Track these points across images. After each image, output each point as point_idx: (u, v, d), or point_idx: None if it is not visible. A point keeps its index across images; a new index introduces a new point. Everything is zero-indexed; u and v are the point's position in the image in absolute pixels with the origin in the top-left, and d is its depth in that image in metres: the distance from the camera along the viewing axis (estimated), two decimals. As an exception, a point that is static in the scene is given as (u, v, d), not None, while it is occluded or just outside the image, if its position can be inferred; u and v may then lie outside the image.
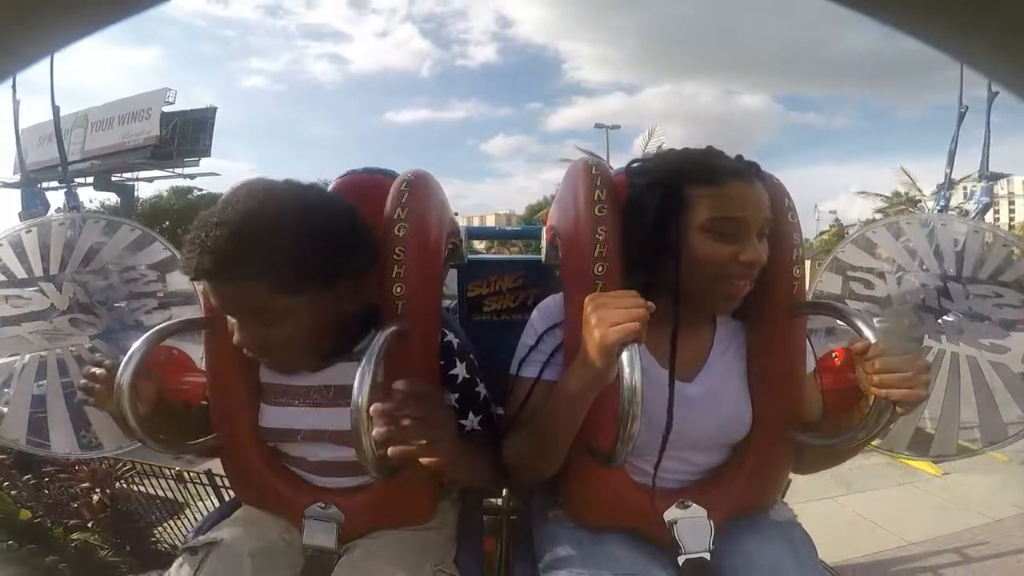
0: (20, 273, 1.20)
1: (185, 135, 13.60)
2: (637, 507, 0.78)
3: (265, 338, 0.70)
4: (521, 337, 0.83)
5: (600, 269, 0.74)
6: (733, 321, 0.84)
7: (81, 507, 1.97)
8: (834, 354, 1.02)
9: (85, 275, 1.22)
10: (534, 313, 0.84)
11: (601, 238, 0.74)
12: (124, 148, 13.39)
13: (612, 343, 0.61)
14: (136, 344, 0.74)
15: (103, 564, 1.59)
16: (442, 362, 0.79)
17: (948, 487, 2.91)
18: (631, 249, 0.76)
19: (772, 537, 0.80)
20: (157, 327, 0.79)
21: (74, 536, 1.63)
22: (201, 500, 1.88)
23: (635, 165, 0.82)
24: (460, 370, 0.80)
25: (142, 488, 2.04)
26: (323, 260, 0.70)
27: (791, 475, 0.92)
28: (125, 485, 2.06)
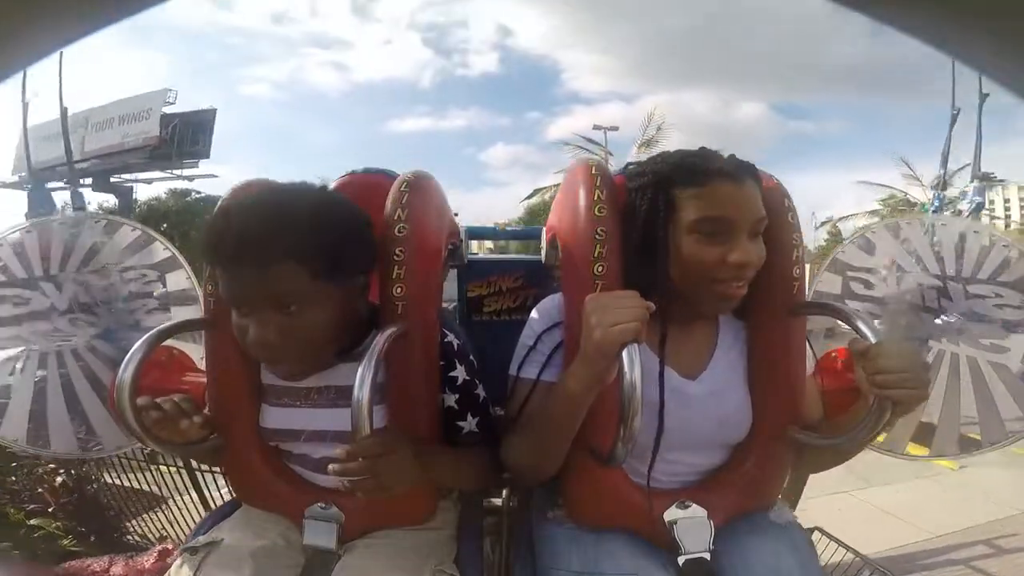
0: (20, 273, 1.20)
1: (184, 136, 13.56)
2: (637, 507, 0.78)
3: (285, 332, 0.68)
4: (520, 337, 0.83)
5: (600, 269, 0.74)
6: (735, 320, 0.84)
7: (44, 491, 1.81)
8: (834, 354, 1.02)
9: (85, 275, 1.22)
10: (532, 313, 0.84)
11: (601, 238, 0.74)
12: (123, 148, 13.34)
13: (612, 343, 0.61)
14: (136, 344, 0.74)
15: (63, 552, 1.48)
16: (442, 363, 0.79)
17: (967, 481, 2.87)
18: (629, 250, 0.76)
19: (772, 538, 0.80)
20: (157, 327, 0.79)
21: (32, 522, 1.55)
22: (180, 494, 1.78)
23: (631, 167, 0.82)
24: (460, 372, 0.80)
25: (118, 481, 1.90)
26: (357, 248, 0.72)
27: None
28: (96, 470, 1.90)
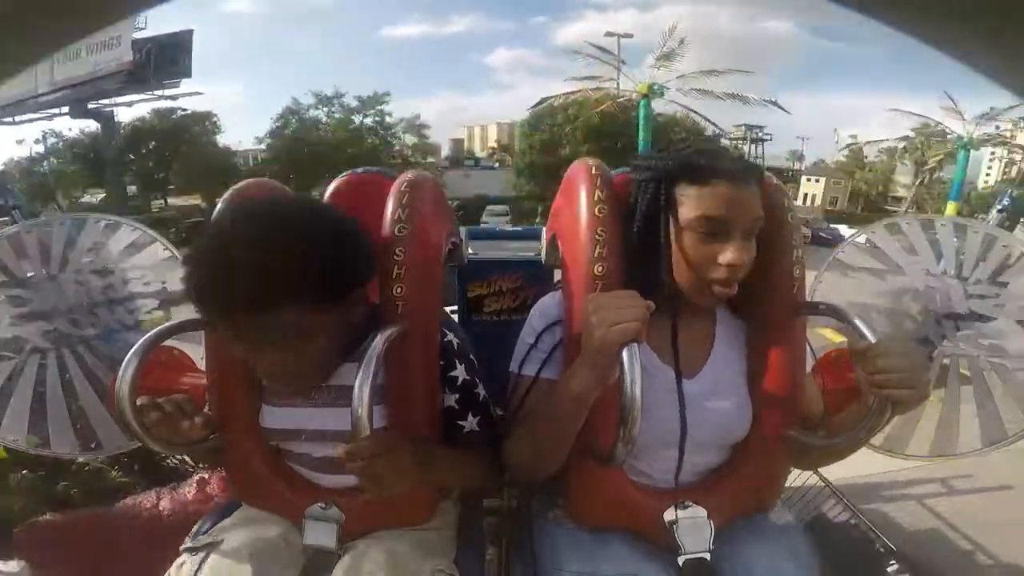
0: (20, 273, 1.20)
1: (161, 59, 13.41)
2: (637, 507, 0.78)
3: (288, 364, 0.68)
4: (520, 335, 0.83)
5: (600, 269, 0.74)
6: (734, 320, 0.84)
7: (85, 429, 1.88)
8: (834, 354, 1.02)
9: (85, 275, 1.22)
10: (533, 311, 0.84)
11: (601, 238, 0.75)
12: (96, 76, 13.16)
13: (613, 343, 0.61)
14: (136, 345, 0.74)
15: (114, 486, 1.54)
16: (441, 363, 0.79)
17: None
18: (630, 246, 0.76)
19: (771, 539, 0.80)
20: (157, 327, 0.79)
21: (80, 458, 1.60)
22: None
23: (638, 161, 0.82)
24: (460, 372, 0.80)
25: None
26: (355, 269, 0.70)
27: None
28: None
